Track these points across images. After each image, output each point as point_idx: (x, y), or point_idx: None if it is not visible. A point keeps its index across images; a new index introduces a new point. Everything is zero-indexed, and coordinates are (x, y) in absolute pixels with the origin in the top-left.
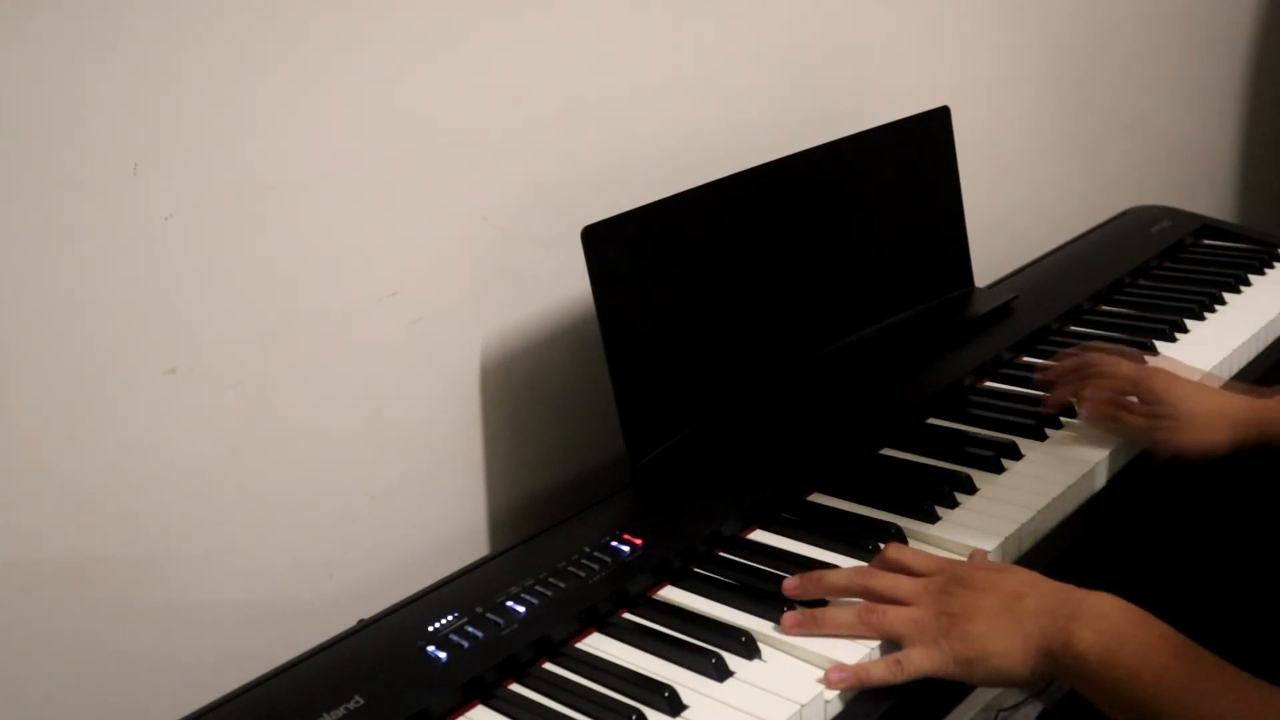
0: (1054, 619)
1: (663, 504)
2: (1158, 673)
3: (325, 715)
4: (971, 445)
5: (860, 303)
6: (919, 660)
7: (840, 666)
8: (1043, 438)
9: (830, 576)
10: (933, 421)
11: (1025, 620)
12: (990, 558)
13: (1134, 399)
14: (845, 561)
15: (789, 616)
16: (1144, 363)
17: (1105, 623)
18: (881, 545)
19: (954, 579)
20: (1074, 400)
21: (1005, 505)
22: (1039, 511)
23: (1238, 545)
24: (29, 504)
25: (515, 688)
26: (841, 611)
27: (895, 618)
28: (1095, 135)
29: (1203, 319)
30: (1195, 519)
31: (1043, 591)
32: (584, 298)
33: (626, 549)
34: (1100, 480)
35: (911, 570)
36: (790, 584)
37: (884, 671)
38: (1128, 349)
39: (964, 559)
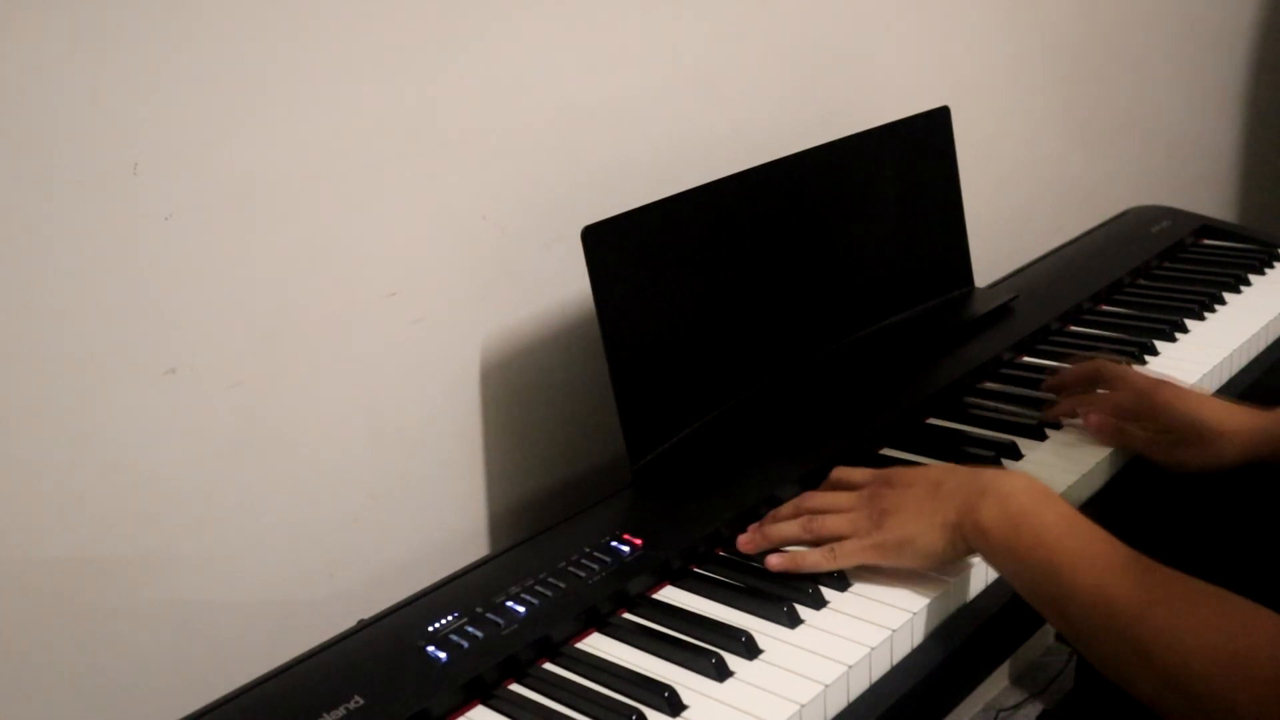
0: (966, 496)
1: (663, 504)
2: (1051, 546)
3: (325, 715)
4: (971, 445)
5: (860, 303)
6: (850, 549)
7: (781, 553)
8: (1043, 438)
9: (776, 518)
10: (933, 421)
11: (944, 501)
12: None
13: (1138, 413)
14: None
15: (741, 536)
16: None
17: (1010, 501)
18: None
19: (884, 481)
20: (1079, 412)
21: None
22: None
23: (1239, 560)
24: (29, 504)
25: (515, 688)
26: (787, 525)
27: (833, 522)
28: (1095, 135)
29: (1203, 319)
30: (1197, 534)
31: (960, 476)
32: (584, 298)
33: (626, 549)
34: (1100, 480)
35: (850, 484)
36: (743, 539)
37: (818, 557)
38: (1130, 362)
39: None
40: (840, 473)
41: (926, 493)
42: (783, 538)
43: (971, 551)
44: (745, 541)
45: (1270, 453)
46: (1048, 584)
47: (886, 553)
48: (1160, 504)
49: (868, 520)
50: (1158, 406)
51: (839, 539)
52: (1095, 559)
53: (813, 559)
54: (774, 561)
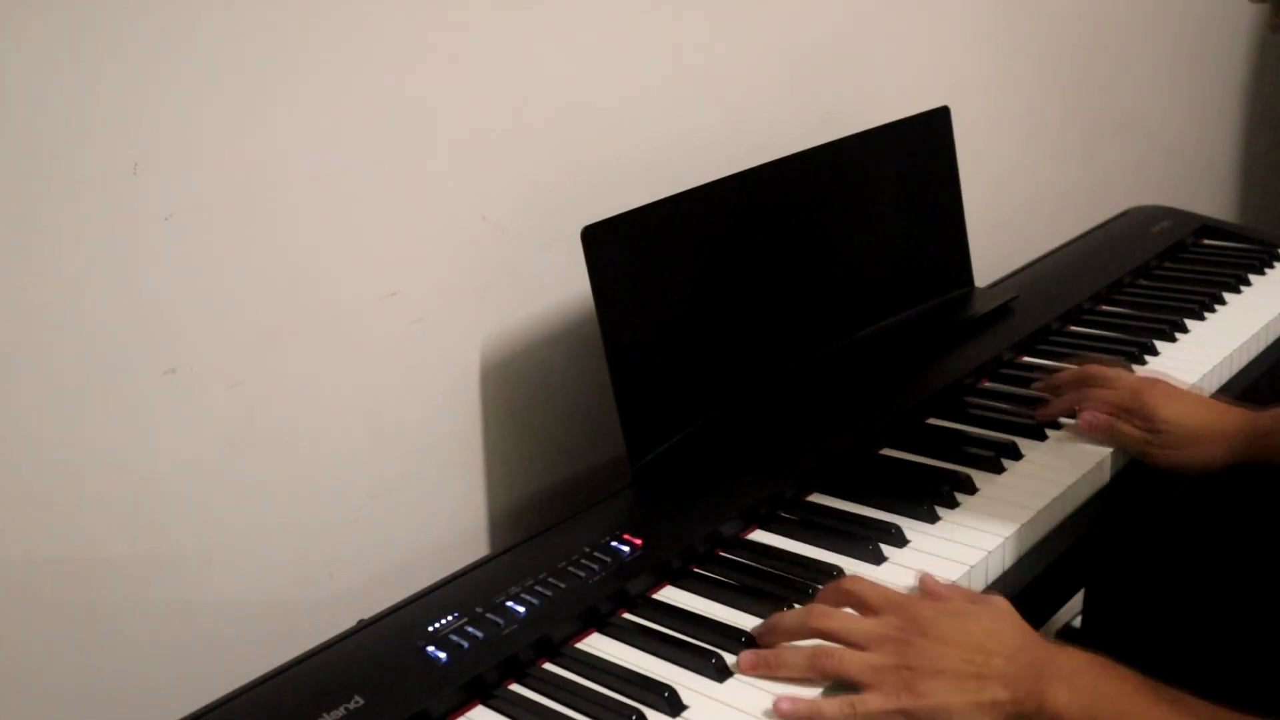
0: (1022, 682)
1: (663, 504)
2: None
3: (325, 715)
4: (971, 445)
5: (860, 302)
6: (875, 706)
7: (794, 699)
8: (1043, 438)
9: (783, 619)
10: (933, 421)
11: (992, 683)
12: (992, 558)
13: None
14: (846, 561)
15: (744, 656)
16: (1141, 375)
17: (1078, 679)
18: (883, 546)
19: (914, 624)
20: (1075, 410)
21: (1005, 505)
22: (1039, 512)
23: (1233, 558)
24: (29, 504)
25: (515, 688)
26: (796, 653)
27: (851, 662)
28: (1096, 135)
29: (1203, 319)
30: (1191, 533)
31: (1009, 650)
32: (584, 298)
33: (626, 549)
34: (1101, 480)
35: (866, 605)
36: (745, 660)
37: (836, 712)
38: (1123, 363)
39: (915, 594)
40: (851, 585)
41: (969, 664)
42: (789, 673)
43: None
44: (748, 665)
45: (1261, 452)
46: None
47: (920, 718)
48: (1160, 504)
49: (894, 676)
50: (1149, 405)
51: (852, 681)
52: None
53: (830, 712)
54: (785, 709)
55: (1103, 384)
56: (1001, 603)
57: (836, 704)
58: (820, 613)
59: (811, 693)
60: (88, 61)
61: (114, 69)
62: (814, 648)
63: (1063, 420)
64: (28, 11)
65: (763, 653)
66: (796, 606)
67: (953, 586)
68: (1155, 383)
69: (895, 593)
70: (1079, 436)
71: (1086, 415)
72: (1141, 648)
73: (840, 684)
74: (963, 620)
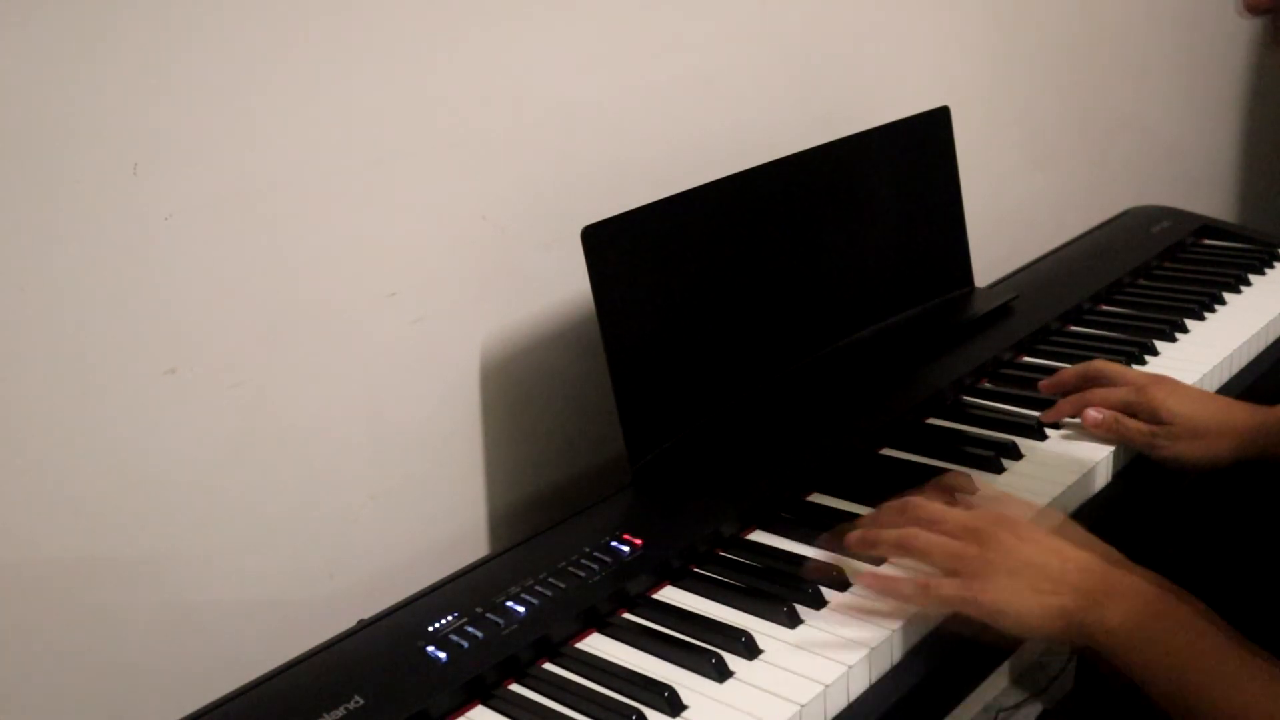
0: (1088, 594)
1: (663, 504)
2: (1183, 652)
3: (325, 715)
4: (971, 445)
5: (860, 302)
6: (947, 591)
7: (873, 573)
8: (1043, 438)
9: (880, 522)
10: (933, 421)
11: (1063, 589)
12: None
13: (1136, 408)
14: (847, 561)
15: (849, 535)
16: (1146, 373)
17: (1136, 600)
18: None
19: (1003, 522)
20: (1078, 413)
21: None
22: (1039, 512)
23: (1237, 555)
24: (29, 504)
25: (515, 688)
26: (890, 532)
27: (935, 546)
28: (1095, 135)
29: (1203, 319)
30: (1197, 534)
31: (1084, 563)
32: (584, 298)
33: (626, 549)
34: (1101, 480)
35: (963, 501)
36: (852, 537)
37: (911, 590)
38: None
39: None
40: (954, 479)
41: (1043, 563)
42: (881, 550)
43: (1084, 645)
44: (853, 540)
45: (1267, 448)
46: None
47: (983, 611)
48: (1160, 503)
49: (972, 565)
50: (1155, 401)
51: (932, 564)
52: (1229, 668)
53: (906, 591)
54: (866, 580)
55: (1107, 382)
56: (1085, 531)
57: (912, 583)
58: (918, 501)
59: (875, 637)
60: (88, 62)
61: (114, 69)
62: (907, 531)
63: (1063, 420)
64: (28, 12)
65: (862, 531)
66: (798, 605)
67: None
68: (1160, 379)
69: (993, 492)
70: (1079, 436)
71: (1091, 414)
72: None
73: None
74: (1047, 532)
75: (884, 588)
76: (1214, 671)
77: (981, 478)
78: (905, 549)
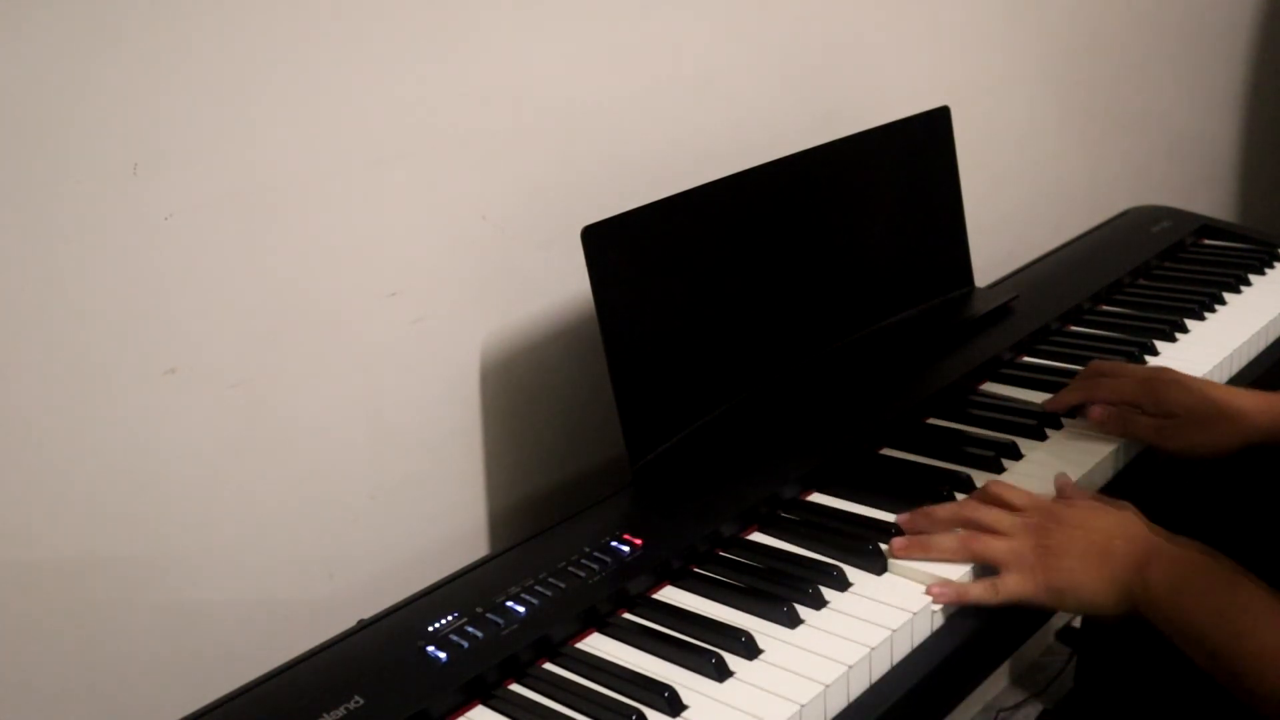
0: (1136, 561)
1: (663, 504)
2: (1221, 603)
3: (325, 715)
4: (971, 445)
5: (860, 302)
6: (1014, 585)
7: (945, 583)
8: (1043, 438)
9: (936, 510)
10: (933, 421)
11: (1114, 561)
12: None
13: (1142, 401)
14: (844, 562)
15: (897, 541)
16: (1150, 366)
17: (1175, 564)
18: (883, 545)
19: (1051, 515)
20: (1084, 404)
21: None
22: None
23: (1244, 543)
24: (29, 504)
25: (515, 688)
26: (947, 538)
27: (996, 546)
28: (1095, 135)
29: (1203, 319)
30: (1202, 517)
31: (1130, 536)
32: (584, 298)
33: (626, 549)
34: (1101, 480)
35: (1010, 505)
36: (898, 544)
37: (981, 591)
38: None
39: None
40: (998, 489)
41: (1095, 545)
42: (940, 555)
43: (1135, 611)
44: (901, 547)
45: (1274, 435)
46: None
47: (1050, 595)
48: (1160, 503)
49: (1032, 555)
50: (1159, 393)
51: (995, 563)
52: (1259, 634)
53: (976, 592)
54: (936, 592)
55: (1111, 378)
56: (1128, 505)
57: (980, 586)
58: (971, 506)
59: (897, 621)
60: (88, 62)
61: (114, 69)
62: (964, 533)
63: (1064, 420)
64: (29, 12)
65: (915, 537)
66: (798, 605)
67: (1084, 491)
68: (1164, 371)
69: (1035, 494)
70: (1080, 436)
71: (1096, 410)
72: (1143, 646)
73: (984, 570)
74: (1092, 513)
75: (956, 596)
76: (1253, 619)
77: (981, 477)
78: (968, 551)
